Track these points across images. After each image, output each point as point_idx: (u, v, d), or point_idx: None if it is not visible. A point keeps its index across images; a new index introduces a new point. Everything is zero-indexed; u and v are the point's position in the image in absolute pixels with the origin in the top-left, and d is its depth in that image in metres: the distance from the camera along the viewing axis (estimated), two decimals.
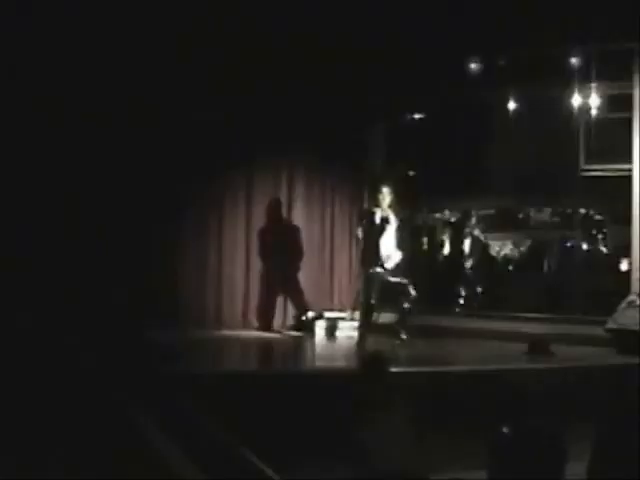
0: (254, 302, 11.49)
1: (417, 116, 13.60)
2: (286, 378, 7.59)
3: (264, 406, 6.76)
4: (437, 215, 15.71)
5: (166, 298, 10.68)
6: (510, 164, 13.06)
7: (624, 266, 12.23)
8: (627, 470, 2.42)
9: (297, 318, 11.57)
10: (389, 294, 10.00)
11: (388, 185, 10.01)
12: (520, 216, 15.69)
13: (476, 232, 14.08)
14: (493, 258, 15.19)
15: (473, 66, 11.50)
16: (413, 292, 9.80)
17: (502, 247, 15.64)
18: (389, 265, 9.81)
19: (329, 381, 7.31)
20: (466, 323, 11.46)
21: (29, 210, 9.47)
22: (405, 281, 9.83)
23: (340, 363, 9.26)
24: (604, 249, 14.47)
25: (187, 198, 11.06)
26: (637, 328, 9.23)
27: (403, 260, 10.07)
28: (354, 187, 12.47)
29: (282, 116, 11.36)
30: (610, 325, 9.73)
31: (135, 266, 10.31)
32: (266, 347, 10.50)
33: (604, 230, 14.62)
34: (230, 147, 11.19)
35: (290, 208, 11.96)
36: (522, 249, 15.52)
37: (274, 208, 11.48)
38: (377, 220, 9.84)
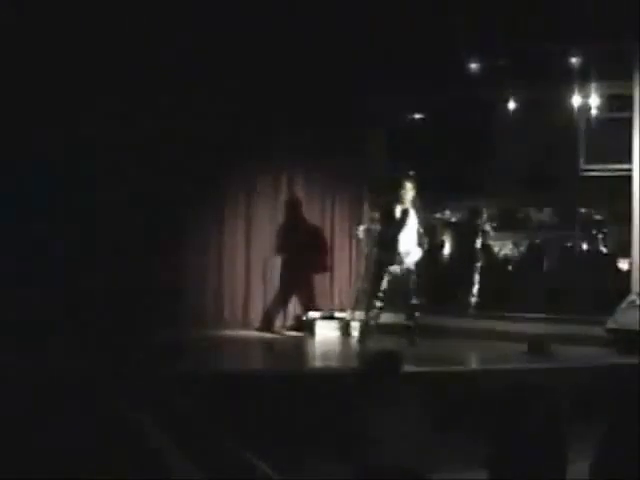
0: (254, 302, 11.49)
1: (417, 116, 13.60)
2: (290, 378, 7.58)
3: (265, 406, 6.76)
4: (437, 215, 15.72)
5: (166, 298, 10.67)
6: (510, 164, 13.06)
7: (624, 266, 12.23)
8: (629, 470, 2.42)
9: (297, 318, 11.59)
10: (399, 293, 9.90)
11: (411, 181, 9.91)
12: (520, 216, 15.69)
13: (487, 227, 14.05)
14: (493, 258, 15.19)
15: (473, 66, 11.49)
16: (415, 301, 9.70)
17: (502, 247, 15.64)
18: (409, 262, 9.70)
19: (334, 380, 7.31)
20: (466, 323, 11.45)
21: (31, 210, 9.47)
22: (415, 284, 9.72)
23: (346, 363, 9.24)
24: (604, 249, 14.47)
25: (188, 198, 11.05)
26: (637, 328, 9.22)
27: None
28: (354, 187, 12.46)
29: (282, 116, 11.36)
30: (610, 325, 9.73)
31: (135, 266, 10.31)
32: (270, 347, 10.51)
33: (604, 230, 14.61)
34: (230, 148, 11.19)
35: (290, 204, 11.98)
36: (522, 249, 15.52)
37: (296, 205, 11.51)
38: (397, 215, 9.76)
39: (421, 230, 9.96)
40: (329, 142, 11.68)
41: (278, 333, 11.15)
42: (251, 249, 11.58)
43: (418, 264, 9.87)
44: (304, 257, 11.38)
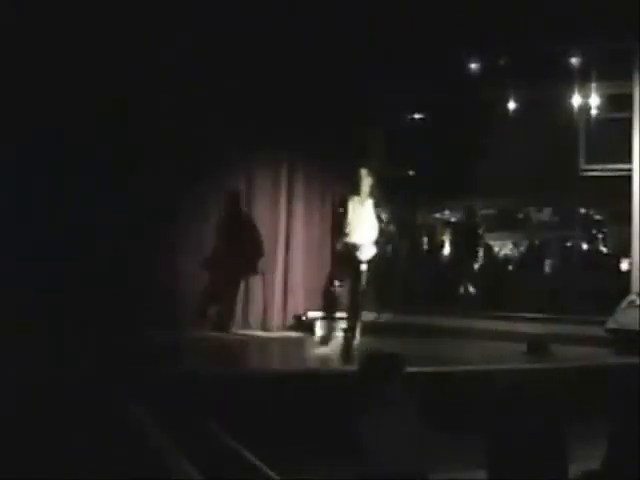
0: (254, 302, 11.50)
1: (417, 116, 13.60)
2: (290, 378, 7.59)
3: (265, 406, 6.76)
4: (437, 215, 15.73)
5: (166, 298, 10.68)
6: (510, 164, 13.06)
7: (624, 266, 12.23)
8: (629, 470, 2.42)
9: (297, 318, 11.59)
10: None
11: (367, 168, 9.38)
12: (520, 216, 15.71)
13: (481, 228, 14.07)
14: (494, 258, 15.20)
15: (473, 66, 11.50)
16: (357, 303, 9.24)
17: (502, 247, 15.65)
18: (362, 257, 9.15)
19: (335, 381, 7.31)
20: (466, 323, 11.45)
21: (28, 210, 9.47)
22: (362, 284, 9.17)
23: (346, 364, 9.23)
24: (604, 249, 14.48)
25: (187, 199, 11.05)
26: (637, 328, 9.22)
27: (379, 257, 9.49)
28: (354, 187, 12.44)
29: (282, 116, 11.35)
30: (610, 325, 9.73)
31: (134, 266, 10.31)
32: (269, 347, 10.51)
33: (604, 230, 14.63)
34: (230, 147, 11.19)
35: (290, 207, 11.96)
36: (522, 249, 15.54)
37: (233, 203, 11.26)
38: (349, 208, 9.21)
39: (382, 223, 9.42)
40: (329, 142, 11.68)
41: (277, 333, 11.13)
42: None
43: (371, 261, 9.30)
44: (241, 257, 11.18)
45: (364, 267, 9.16)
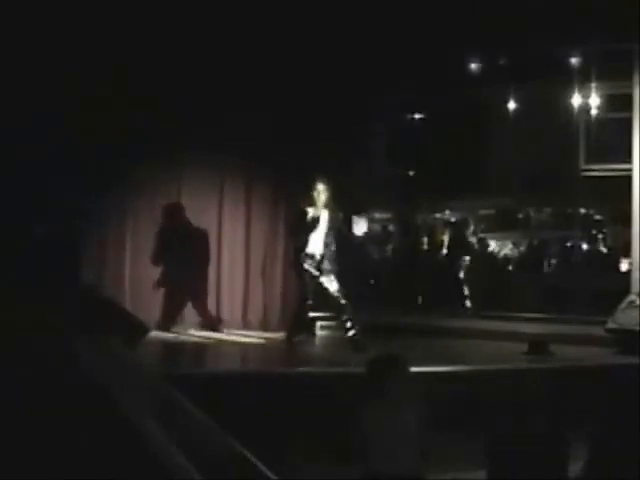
0: (253, 302, 11.49)
1: (417, 116, 13.63)
2: (291, 378, 7.59)
3: (265, 406, 6.77)
4: (437, 215, 15.76)
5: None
6: (510, 164, 13.09)
7: (624, 266, 12.25)
8: (626, 469, 2.43)
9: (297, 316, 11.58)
10: (321, 296, 9.26)
11: (324, 182, 9.24)
12: (520, 216, 15.74)
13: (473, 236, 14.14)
14: (493, 258, 15.23)
15: (473, 66, 11.51)
16: (343, 301, 9.00)
17: (502, 247, 15.68)
18: (323, 266, 9.05)
19: (337, 382, 7.30)
20: (467, 323, 11.46)
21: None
22: (336, 288, 9.00)
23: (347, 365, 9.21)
24: (604, 249, 14.50)
25: (187, 198, 11.08)
26: (637, 328, 9.23)
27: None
28: (354, 187, 12.44)
29: (282, 117, 11.34)
30: (610, 325, 9.73)
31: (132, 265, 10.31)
32: (269, 347, 10.50)
33: (604, 230, 14.66)
34: (229, 146, 11.18)
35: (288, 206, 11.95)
36: (522, 249, 15.56)
37: (177, 212, 11.00)
38: (308, 219, 9.09)
39: (336, 235, 9.21)
40: (329, 142, 11.66)
41: (277, 333, 11.11)
42: (250, 249, 11.56)
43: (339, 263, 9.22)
44: (185, 265, 10.88)
45: (323, 278, 9.04)
